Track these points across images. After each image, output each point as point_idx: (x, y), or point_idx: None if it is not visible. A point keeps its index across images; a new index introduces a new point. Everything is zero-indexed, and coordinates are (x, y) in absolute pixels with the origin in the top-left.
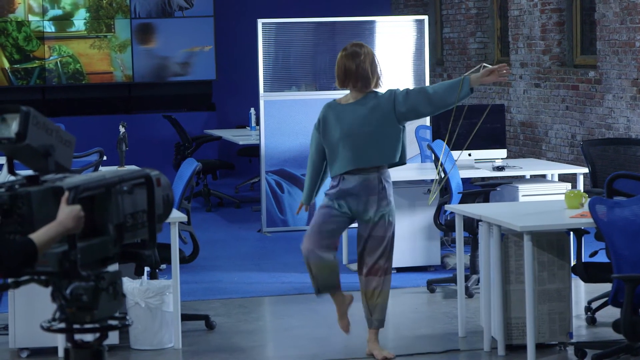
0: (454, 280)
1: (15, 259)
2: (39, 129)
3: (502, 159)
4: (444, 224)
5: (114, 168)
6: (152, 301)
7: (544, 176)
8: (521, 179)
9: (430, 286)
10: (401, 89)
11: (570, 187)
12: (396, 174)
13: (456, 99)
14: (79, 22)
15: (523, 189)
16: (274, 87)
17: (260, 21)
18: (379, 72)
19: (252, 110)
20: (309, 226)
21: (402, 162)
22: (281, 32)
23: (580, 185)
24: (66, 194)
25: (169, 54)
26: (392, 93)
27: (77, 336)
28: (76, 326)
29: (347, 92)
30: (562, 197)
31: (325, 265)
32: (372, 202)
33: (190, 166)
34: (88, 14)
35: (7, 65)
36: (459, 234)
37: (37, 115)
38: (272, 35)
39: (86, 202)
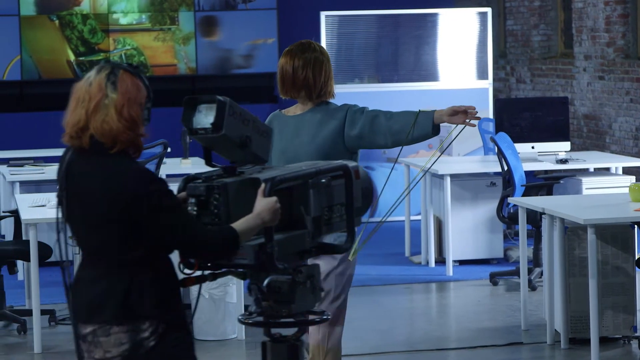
0: (516, 273)
1: (219, 248)
2: (236, 120)
3: (565, 151)
4: (507, 217)
5: (178, 160)
6: (216, 292)
7: (607, 169)
8: (585, 171)
9: (493, 279)
10: (359, 106)
11: (634, 180)
12: (459, 166)
13: (408, 136)
14: (143, 14)
15: (587, 181)
16: (337, 79)
17: (323, 14)
18: (325, 79)
19: None
20: None
21: None
22: (344, 25)
23: None
24: (262, 185)
25: (232, 47)
26: (345, 109)
27: (274, 330)
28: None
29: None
30: (626, 190)
31: None
32: None
33: None
34: (152, 7)
35: (72, 57)
36: (522, 226)
37: (233, 105)
38: (335, 27)
39: (284, 194)
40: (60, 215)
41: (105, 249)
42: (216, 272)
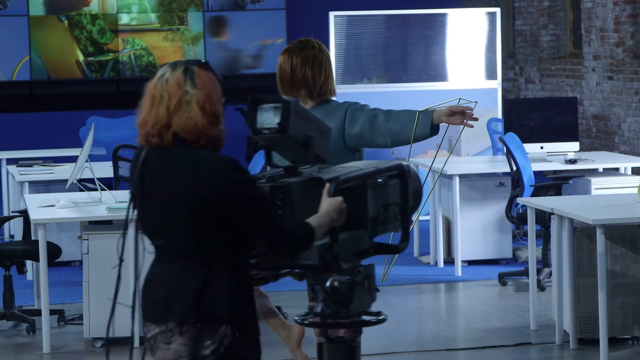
0: (525, 273)
1: (299, 241)
2: (300, 119)
3: (574, 152)
4: (516, 217)
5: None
6: None
7: (616, 169)
8: (594, 172)
9: (502, 279)
10: (360, 103)
11: None
12: (467, 166)
13: (412, 136)
14: (152, 15)
15: (596, 182)
16: (346, 79)
17: (332, 14)
18: (325, 77)
19: None
20: None
21: None
22: (353, 25)
23: None
24: (327, 185)
25: (241, 47)
26: (345, 107)
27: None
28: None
29: None
30: (636, 190)
31: None
32: None
33: (263, 159)
34: (161, 7)
35: (81, 57)
36: (531, 226)
37: (297, 104)
38: (344, 27)
39: (342, 194)
40: (132, 213)
41: (184, 243)
42: (278, 272)
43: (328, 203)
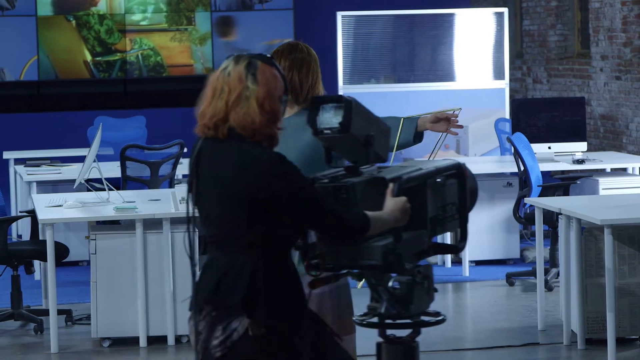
0: (533, 273)
1: (353, 226)
2: (361, 118)
3: (582, 152)
4: (524, 217)
5: None
6: None
7: (624, 169)
8: (601, 172)
9: (510, 279)
10: None
11: None
12: (475, 166)
13: (395, 143)
14: (160, 15)
15: (603, 182)
16: (353, 79)
17: (339, 14)
18: (312, 82)
19: None
20: None
21: None
22: (360, 25)
23: None
24: (391, 185)
25: (248, 47)
26: None
27: (390, 331)
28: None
29: None
30: None
31: None
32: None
33: None
34: (168, 7)
35: (89, 57)
36: (539, 227)
37: (358, 104)
38: (352, 27)
39: (403, 194)
40: (189, 203)
41: (224, 233)
42: (337, 273)
43: (392, 203)
